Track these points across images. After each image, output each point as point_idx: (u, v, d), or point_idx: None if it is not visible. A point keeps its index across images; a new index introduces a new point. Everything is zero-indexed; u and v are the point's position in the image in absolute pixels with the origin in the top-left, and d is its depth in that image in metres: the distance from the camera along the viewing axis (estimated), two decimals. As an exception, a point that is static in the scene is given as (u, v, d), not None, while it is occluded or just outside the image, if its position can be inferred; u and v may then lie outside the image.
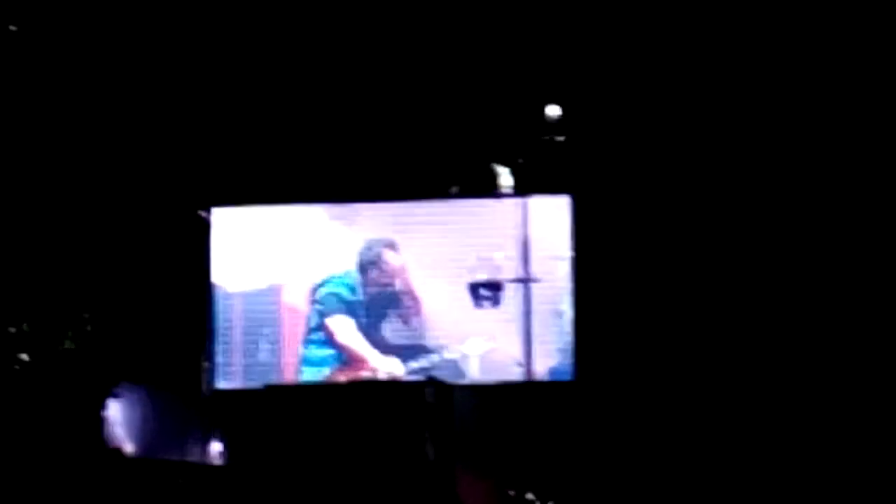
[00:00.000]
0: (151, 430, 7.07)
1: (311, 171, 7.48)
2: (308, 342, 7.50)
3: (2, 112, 7.34)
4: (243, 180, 7.51)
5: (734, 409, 7.11)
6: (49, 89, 7.42)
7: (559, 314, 7.37)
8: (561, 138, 7.28)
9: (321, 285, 7.51)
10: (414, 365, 7.42)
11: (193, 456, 7.13)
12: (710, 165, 7.27)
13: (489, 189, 7.40)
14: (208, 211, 7.47)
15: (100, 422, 6.93)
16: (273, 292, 7.54)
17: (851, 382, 7.09)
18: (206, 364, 7.44)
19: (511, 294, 7.40)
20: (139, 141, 7.51)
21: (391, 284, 7.48)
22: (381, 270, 7.48)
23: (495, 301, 7.44)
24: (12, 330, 6.90)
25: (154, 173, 7.53)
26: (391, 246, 7.49)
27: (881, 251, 7.14)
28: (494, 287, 7.43)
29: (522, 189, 7.33)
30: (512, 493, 7.02)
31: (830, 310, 7.17)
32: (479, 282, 7.44)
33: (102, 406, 6.99)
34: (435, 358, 7.43)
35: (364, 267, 7.50)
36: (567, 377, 7.30)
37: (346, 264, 7.51)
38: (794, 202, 7.27)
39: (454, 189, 7.44)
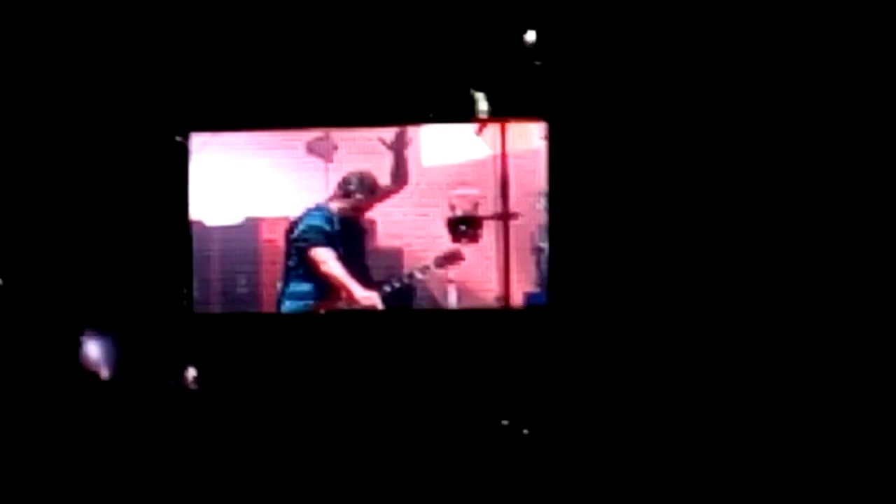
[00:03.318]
0: (128, 354, 7.08)
1: (287, 98, 7.43)
2: (289, 277, 7.51)
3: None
4: (219, 106, 7.47)
5: (707, 337, 7.14)
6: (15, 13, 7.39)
7: (539, 250, 7.39)
8: (538, 63, 7.34)
9: (300, 219, 7.52)
10: (392, 295, 7.44)
11: (169, 381, 7.13)
12: (691, 93, 7.26)
13: (466, 115, 7.42)
14: (186, 136, 7.49)
15: (77, 346, 6.95)
16: (251, 227, 7.55)
17: (825, 321, 7.12)
18: (184, 290, 7.46)
19: (490, 230, 7.44)
20: (116, 63, 7.46)
21: (367, 216, 7.49)
22: (356, 203, 7.49)
23: (474, 237, 7.45)
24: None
25: (130, 96, 7.49)
26: (366, 178, 7.49)
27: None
28: (473, 223, 7.44)
29: (499, 115, 7.37)
30: (488, 419, 7.07)
31: (801, 248, 7.20)
32: (457, 216, 7.45)
33: (79, 330, 7.02)
34: (412, 287, 7.45)
35: (339, 200, 7.50)
36: (542, 302, 7.34)
37: (322, 197, 7.51)
38: (773, 141, 7.27)
39: (431, 115, 7.44)
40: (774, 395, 6.93)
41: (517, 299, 7.40)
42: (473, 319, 7.38)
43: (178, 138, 7.46)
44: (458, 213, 7.45)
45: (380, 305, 7.45)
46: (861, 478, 6.18)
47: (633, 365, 7.13)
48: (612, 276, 7.28)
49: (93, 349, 6.99)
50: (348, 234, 7.51)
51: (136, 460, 6.28)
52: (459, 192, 7.47)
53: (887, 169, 7.11)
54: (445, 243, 7.46)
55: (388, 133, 7.46)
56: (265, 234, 7.55)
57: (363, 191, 7.50)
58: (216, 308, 7.54)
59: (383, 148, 7.48)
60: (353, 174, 7.52)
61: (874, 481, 6.15)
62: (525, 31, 7.37)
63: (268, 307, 7.52)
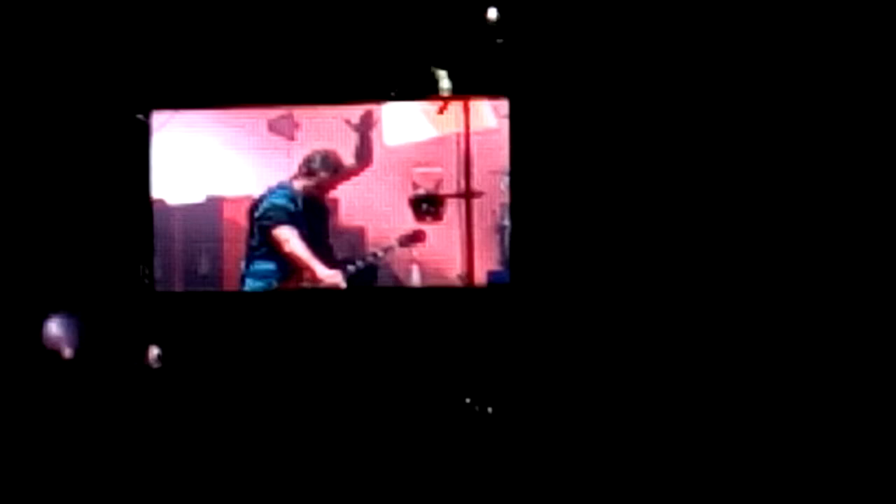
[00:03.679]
0: (90, 333, 7.04)
1: (248, 76, 7.40)
2: (251, 256, 7.49)
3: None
4: (180, 84, 7.43)
5: (669, 314, 7.18)
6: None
7: (502, 228, 7.41)
8: (500, 41, 7.35)
9: (262, 198, 7.50)
10: (355, 274, 7.44)
11: (132, 359, 7.10)
12: (654, 69, 7.26)
13: (428, 93, 7.42)
14: (147, 115, 7.46)
15: (38, 325, 6.91)
16: (213, 206, 7.53)
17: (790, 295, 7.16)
18: (145, 269, 7.44)
19: (453, 208, 7.45)
20: (77, 40, 7.41)
21: (330, 195, 7.49)
22: (320, 181, 7.49)
23: (436, 216, 7.46)
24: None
25: (91, 74, 7.44)
26: (330, 156, 7.49)
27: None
28: (436, 202, 7.45)
29: (462, 93, 7.38)
30: (451, 396, 7.09)
31: (761, 220, 7.24)
32: (420, 195, 7.45)
33: (41, 309, 6.97)
34: (376, 266, 7.45)
35: (302, 178, 7.49)
36: (505, 280, 7.37)
37: (285, 176, 7.50)
38: (736, 113, 7.30)
39: (393, 93, 7.43)
40: (736, 368, 6.98)
41: (480, 277, 7.42)
42: (437, 298, 7.39)
43: (139, 116, 7.43)
44: (421, 191, 7.46)
45: (343, 284, 7.45)
46: (855, 477, 6.20)
47: (594, 342, 7.16)
48: (575, 255, 7.30)
49: (54, 328, 6.94)
50: (311, 213, 7.50)
51: (99, 439, 6.26)
52: (422, 171, 7.48)
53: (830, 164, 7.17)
54: (408, 222, 7.47)
55: (354, 114, 7.45)
56: (228, 213, 7.53)
57: (326, 169, 7.49)
58: (178, 287, 7.53)
59: (347, 127, 7.47)
60: (316, 153, 7.51)
61: (872, 480, 6.17)
62: (487, 9, 7.38)
63: (230, 286, 7.50)
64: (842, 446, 6.38)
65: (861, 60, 7.11)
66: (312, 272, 7.45)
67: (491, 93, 7.36)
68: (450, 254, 7.45)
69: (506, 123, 7.36)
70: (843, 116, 7.13)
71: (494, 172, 7.41)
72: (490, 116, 7.41)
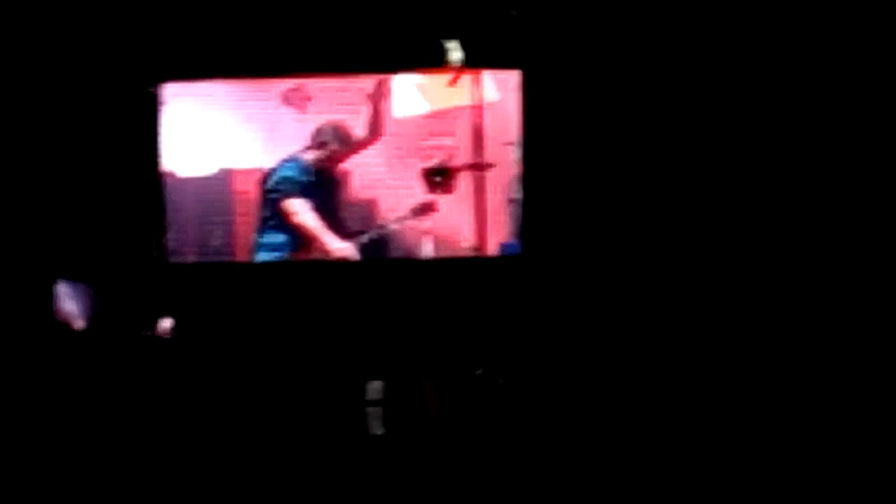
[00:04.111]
0: (102, 304, 7.07)
1: (260, 47, 7.39)
2: (263, 228, 7.50)
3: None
4: (191, 55, 7.42)
5: (678, 286, 7.20)
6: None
7: (513, 200, 7.42)
8: (513, 12, 7.34)
9: (273, 170, 7.51)
10: (367, 245, 7.45)
11: (144, 330, 7.14)
12: (667, 42, 7.25)
13: (440, 64, 7.41)
14: (158, 87, 7.44)
15: (51, 296, 6.95)
16: (224, 178, 7.53)
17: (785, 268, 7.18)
18: (158, 241, 7.46)
19: (464, 180, 7.45)
20: (87, 13, 7.40)
21: (341, 167, 7.49)
22: (331, 153, 7.50)
23: (448, 187, 7.46)
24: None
25: (101, 46, 7.43)
26: (340, 129, 7.49)
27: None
28: (447, 173, 7.45)
29: (474, 64, 7.37)
30: (463, 368, 7.10)
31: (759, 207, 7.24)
32: (431, 167, 7.46)
33: (53, 281, 7.01)
34: (387, 237, 7.46)
35: (313, 150, 7.50)
36: (516, 252, 7.38)
37: (296, 147, 7.50)
38: (744, 100, 7.29)
39: (405, 64, 7.41)
40: (743, 341, 7.00)
41: (492, 249, 7.43)
42: (448, 269, 7.41)
43: (150, 88, 7.43)
44: (433, 163, 7.46)
45: (354, 256, 7.46)
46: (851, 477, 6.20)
47: (605, 314, 7.17)
48: (586, 226, 7.31)
49: (67, 300, 6.98)
50: (322, 185, 7.50)
51: (112, 410, 6.29)
52: (434, 143, 7.48)
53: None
54: (420, 194, 7.47)
55: (366, 85, 7.45)
56: (239, 186, 7.53)
57: (337, 141, 7.49)
58: (191, 258, 7.54)
59: (358, 99, 7.47)
60: (327, 125, 7.51)
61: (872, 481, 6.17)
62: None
63: (242, 257, 7.51)
64: (842, 446, 6.39)
65: (863, 61, 7.10)
66: (324, 244, 7.46)
67: (502, 65, 7.36)
68: (461, 225, 7.46)
69: (510, 96, 7.36)
70: (867, 119, 7.14)
71: (506, 144, 7.41)
72: (492, 89, 7.41)
